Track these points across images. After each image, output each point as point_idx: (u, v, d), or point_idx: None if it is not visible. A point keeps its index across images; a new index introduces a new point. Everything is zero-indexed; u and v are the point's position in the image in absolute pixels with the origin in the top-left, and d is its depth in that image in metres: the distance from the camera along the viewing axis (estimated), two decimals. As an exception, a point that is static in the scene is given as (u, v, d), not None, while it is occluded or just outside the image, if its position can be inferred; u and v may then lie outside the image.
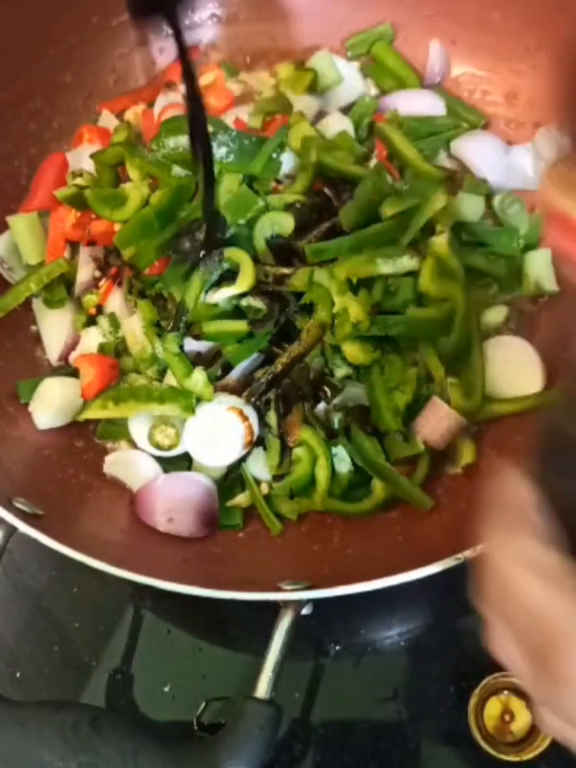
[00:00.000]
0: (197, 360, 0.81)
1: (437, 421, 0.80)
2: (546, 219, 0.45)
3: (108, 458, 0.84)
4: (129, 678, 0.82)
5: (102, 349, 0.86)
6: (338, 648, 0.82)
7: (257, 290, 0.79)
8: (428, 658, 0.81)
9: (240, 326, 0.80)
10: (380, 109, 0.95)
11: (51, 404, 0.85)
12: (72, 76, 0.99)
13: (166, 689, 0.81)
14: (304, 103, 0.94)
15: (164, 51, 1.02)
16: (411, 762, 0.77)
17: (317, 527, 0.80)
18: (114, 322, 0.86)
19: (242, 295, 0.80)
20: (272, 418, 0.79)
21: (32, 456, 0.83)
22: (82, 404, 0.84)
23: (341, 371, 0.81)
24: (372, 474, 0.80)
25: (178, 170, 0.86)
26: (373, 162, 0.87)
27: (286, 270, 0.79)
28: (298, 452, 0.80)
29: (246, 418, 0.78)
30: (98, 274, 0.89)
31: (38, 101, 0.97)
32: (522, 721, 0.77)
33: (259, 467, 0.82)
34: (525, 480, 0.47)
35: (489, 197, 0.91)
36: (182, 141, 0.86)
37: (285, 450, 0.80)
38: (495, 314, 0.88)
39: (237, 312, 0.81)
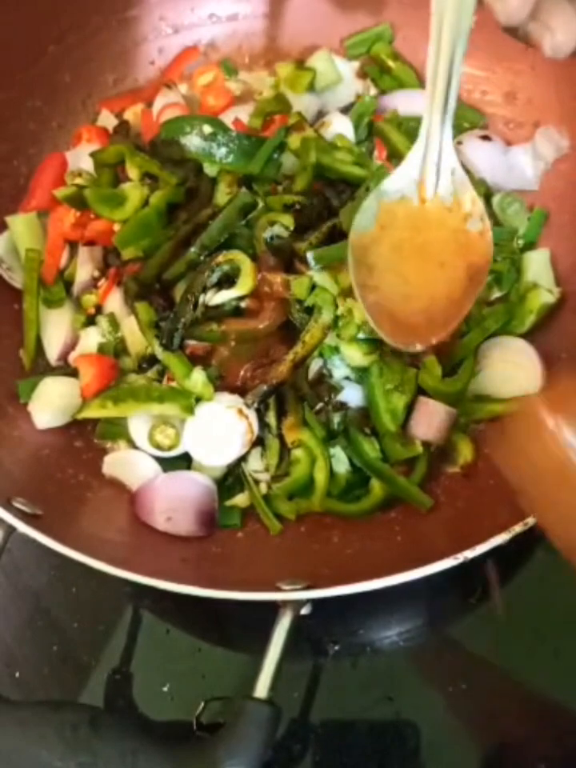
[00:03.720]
0: (196, 360, 0.81)
1: (428, 418, 0.80)
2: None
3: (107, 458, 0.84)
4: (128, 678, 0.82)
5: (102, 349, 0.86)
6: (336, 648, 0.82)
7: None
8: (427, 658, 0.81)
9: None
10: (379, 109, 0.95)
11: (50, 404, 0.85)
12: (71, 75, 0.99)
13: (165, 689, 0.81)
14: (304, 103, 0.94)
15: (163, 51, 1.03)
16: (410, 761, 0.77)
17: (316, 527, 0.80)
18: (113, 322, 0.86)
19: (243, 297, 0.80)
20: (271, 418, 0.80)
21: (31, 456, 0.83)
22: (82, 404, 0.83)
23: (339, 372, 0.81)
24: (371, 475, 0.80)
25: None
26: (374, 162, 0.87)
27: (286, 277, 0.79)
28: (297, 453, 0.80)
29: (245, 417, 0.78)
30: (96, 273, 0.89)
31: (37, 100, 0.97)
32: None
33: (258, 467, 0.82)
34: None
35: (488, 197, 0.91)
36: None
37: (284, 450, 0.80)
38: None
39: (237, 312, 0.81)
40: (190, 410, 0.79)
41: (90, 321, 0.88)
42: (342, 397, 0.81)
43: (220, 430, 0.78)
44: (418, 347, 0.56)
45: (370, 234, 0.55)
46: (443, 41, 0.49)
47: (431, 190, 0.55)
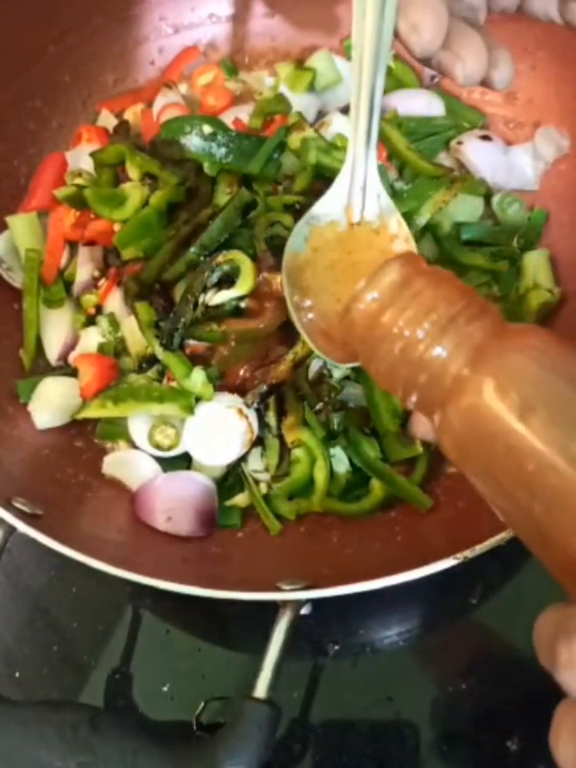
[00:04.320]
0: (196, 360, 0.81)
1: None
2: None
3: (107, 459, 0.84)
4: (128, 678, 0.82)
5: (102, 349, 0.86)
6: (336, 648, 0.82)
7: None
8: (426, 658, 0.81)
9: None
10: (379, 109, 0.95)
11: (50, 404, 0.85)
12: (71, 75, 0.99)
13: (165, 689, 0.81)
14: (304, 103, 0.94)
15: (163, 51, 1.03)
16: (410, 761, 0.77)
17: (316, 527, 0.80)
18: (113, 322, 0.86)
19: (243, 297, 0.80)
20: (271, 418, 0.80)
21: (31, 456, 0.83)
22: (81, 403, 0.84)
23: (339, 372, 0.81)
24: (371, 475, 0.80)
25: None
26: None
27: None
28: (297, 453, 0.80)
29: (245, 417, 0.78)
30: (96, 273, 0.89)
31: (37, 100, 0.97)
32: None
33: (258, 467, 0.82)
34: None
35: (488, 197, 0.91)
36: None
37: (284, 450, 0.80)
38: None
39: (237, 312, 0.81)
40: (190, 410, 0.79)
41: (90, 321, 0.88)
42: (342, 397, 0.81)
43: (220, 430, 0.78)
44: (354, 363, 0.57)
45: (302, 256, 0.58)
46: (364, 73, 0.51)
47: (358, 214, 0.57)
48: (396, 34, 0.49)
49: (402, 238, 0.57)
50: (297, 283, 0.58)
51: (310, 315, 0.58)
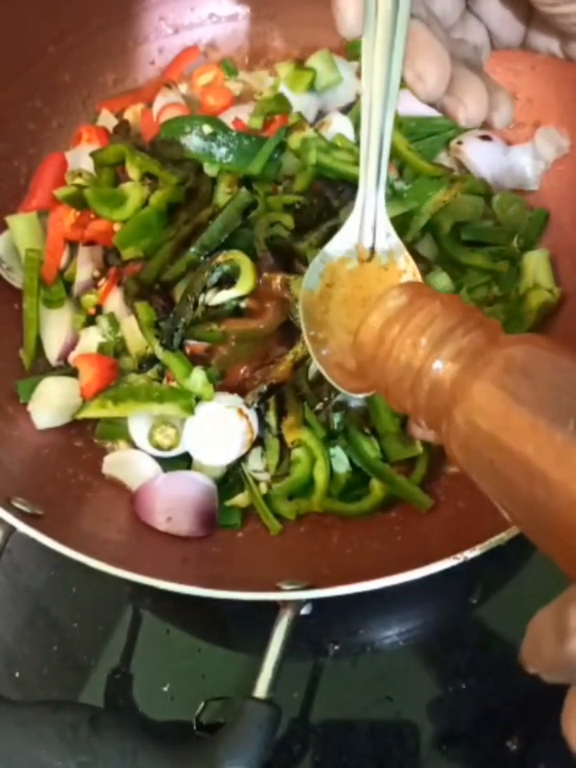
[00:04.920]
0: (196, 360, 0.81)
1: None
2: None
3: (107, 459, 0.84)
4: (128, 678, 0.82)
5: (102, 349, 0.86)
6: (336, 648, 0.82)
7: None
8: (427, 658, 0.81)
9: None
10: (379, 109, 0.95)
11: (50, 404, 0.85)
12: (71, 76, 0.99)
13: (165, 689, 0.81)
14: (304, 103, 0.95)
15: (163, 51, 1.03)
16: (410, 761, 0.77)
17: (316, 527, 0.80)
18: (113, 322, 0.86)
19: (243, 297, 0.80)
20: (271, 418, 0.80)
21: (31, 456, 0.83)
22: (81, 403, 0.84)
23: (339, 372, 0.81)
24: (371, 475, 0.80)
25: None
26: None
27: (286, 277, 0.79)
28: (297, 453, 0.80)
29: (245, 417, 0.78)
30: (96, 273, 0.89)
31: (37, 100, 0.97)
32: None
33: (258, 467, 0.82)
34: None
35: (488, 197, 0.91)
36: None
37: (284, 450, 0.80)
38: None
39: (237, 312, 0.81)
40: (190, 410, 0.79)
41: (90, 321, 0.88)
42: (342, 397, 0.81)
43: (220, 430, 0.78)
44: (368, 394, 0.60)
45: (317, 292, 0.61)
46: (373, 119, 0.55)
47: (368, 252, 0.60)
48: (402, 81, 0.53)
49: (410, 273, 0.61)
50: (312, 318, 0.61)
51: (325, 350, 0.61)
